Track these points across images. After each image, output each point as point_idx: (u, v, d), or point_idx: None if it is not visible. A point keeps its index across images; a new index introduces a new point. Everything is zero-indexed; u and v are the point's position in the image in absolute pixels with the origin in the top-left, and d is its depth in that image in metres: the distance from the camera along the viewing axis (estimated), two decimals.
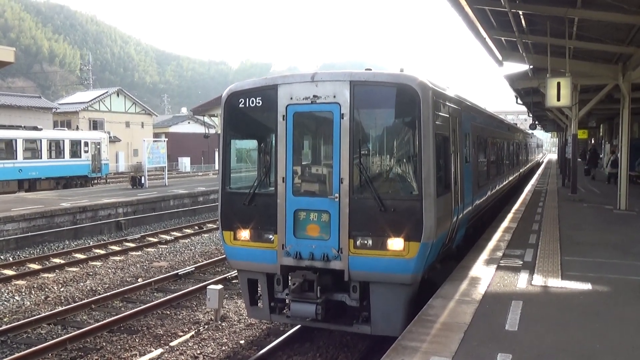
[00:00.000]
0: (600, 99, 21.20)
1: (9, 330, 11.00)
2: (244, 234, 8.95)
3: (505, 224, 15.65)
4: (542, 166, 58.44)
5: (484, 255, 11.24)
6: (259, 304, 9.36)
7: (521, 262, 10.52)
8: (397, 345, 6.29)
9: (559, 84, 16.54)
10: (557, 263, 10.43)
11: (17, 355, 9.60)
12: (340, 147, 8.35)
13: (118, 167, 62.01)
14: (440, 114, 8.91)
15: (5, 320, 12.00)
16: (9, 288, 14.43)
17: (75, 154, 38.41)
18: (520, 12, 14.69)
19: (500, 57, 20.06)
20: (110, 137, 47.41)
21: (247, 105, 8.95)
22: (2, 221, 19.41)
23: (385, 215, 8.12)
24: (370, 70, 8.88)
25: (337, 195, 8.34)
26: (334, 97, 8.36)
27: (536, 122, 42.90)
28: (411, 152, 8.47)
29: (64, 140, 37.89)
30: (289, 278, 8.69)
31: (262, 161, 9.40)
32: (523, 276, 9.44)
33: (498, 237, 13.42)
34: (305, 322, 8.96)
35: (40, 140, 35.88)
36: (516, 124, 33.21)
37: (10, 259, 18.20)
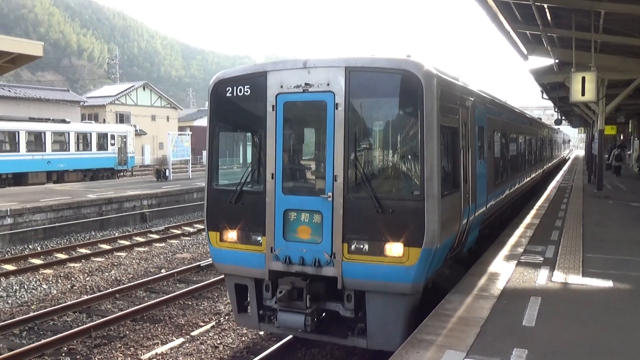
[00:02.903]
0: (628, 94, 20.81)
1: (36, 318, 11.32)
2: (231, 235, 8.25)
3: (527, 220, 15.51)
4: (569, 162, 57.54)
5: (505, 250, 11.19)
6: (248, 311, 8.66)
7: (542, 259, 10.44)
8: (413, 338, 6.33)
9: (583, 78, 16.29)
10: (578, 260, 10.33)
11: (43, 341, 9.89)
12: (334, 141, 7.55)
13: (144, 160, 62.86)
14: (447, 104, 8.10)
15: (32, 307, 12.34)
16: (37, 277, 14.83)
17: (102, 146, 39.12)
18: (545, 5, 14.51)
19: (525, 51, 19.84)
20: (136, 131, 48.12)
21: (235, 94, 8.22)
22: (31, 212, 19.91)
23: (383, 217, 7.32)
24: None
25: (330, 194, 7.56)
26: (328, 85, 7.56)
27: (562, 118, 42.22)
28: (413, 147, 7.62)
29: (91, 133, 38.61)
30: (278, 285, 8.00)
31: (250, 156, 8.71)
32: (543, 272, 9.37)
33: (520, 233, 13.32)
34: (295, 332, 8.26)
35: (69, 133, 36.63)
36: (540, 118, 32.65)
37: (39, 248, 18.67)
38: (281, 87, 7.81)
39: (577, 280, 8.93)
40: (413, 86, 7.30)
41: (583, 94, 16.51)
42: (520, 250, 11.24)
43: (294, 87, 7.74)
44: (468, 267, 9.73)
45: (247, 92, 8.12)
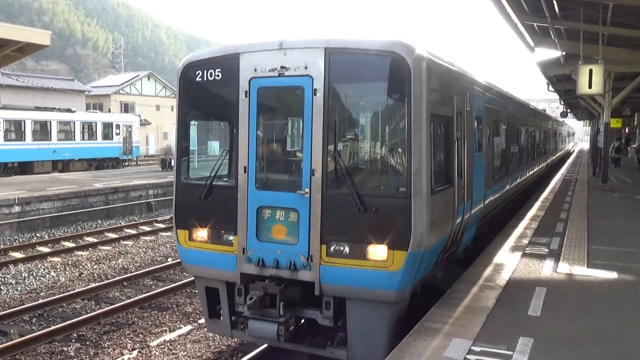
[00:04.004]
0: (635, 87, 20.77)
1: (45, 305, 11.47)
2: (201, 233, 7.58)
3: (532, 212, 15.56)
4: (573, 155, 57.44)
5: (510, 242, 11.27)
6: (221, 317, 7.89)
7: (547, 250, 10.52)
8: (420, 326, 6.43)
9: (590, 71, 16.29)
10: (583, 251, 10.39)
11: (53, 327, 10.03)
12: (312, 131, 6.84)
13: (148, 150, 62.99)
14: (440, 91, 7.44)
15: (41, 295, 12.49)
16: (45, 265, 14.98)
17: (107, 136, 39.24)
18: None
19: (532, 43, 19.82)
20: (141, 120, 48.23)
21: (206, 78, 7.50)
22: (38, 200, 20.05)
23: (366, 216, 6.62)
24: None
25: (307, 190, 6.86)
26: (305, 68, 6.84)
27: (568, 110, 42.14)
28: (399, 138, 6.91)
29: (96, 123, 38.72)
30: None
31: (221, 147, 8.02)
32: (548, 264, 9.45)
33: (525, 224, 13.39)
34: (268, 342, 7.65)
35: (74, 122, 36.75)
36: (544, 110, 32.52)
37: (46, 236, 18.83)
38: (255, 70, 7.10)
39: (582, 271, 9.00)
40: (400, 70, 6.57)
41: (590, 87, 16.51)
42: (526, 241, 11.32)
43: (269, 71, 7.02)
44: (465, 267, 9.17)
45: (218, 76, 7.42)
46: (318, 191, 6.83)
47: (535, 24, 17.94)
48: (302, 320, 7.39)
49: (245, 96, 7.18)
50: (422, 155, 6.58)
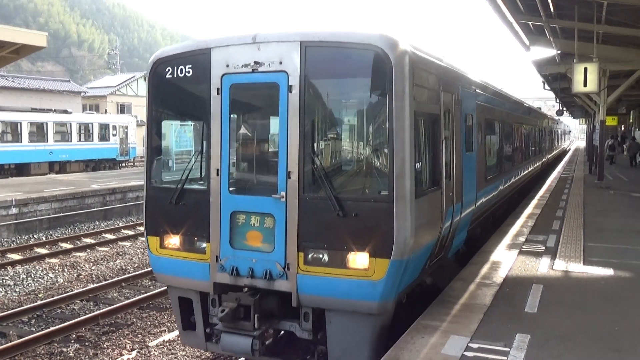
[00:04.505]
0: (630, 85, 20.88)
1: (44, 306, 11.48)
2: (173, 240, 7.19)
3: (529, 210, 15.65)
4: (569, 153, 57.64)
5: (507, 240, 11.34)
6: (196, 328, 7.45)
7: (543, 248, 10.59)
8: (418, 324, 6.49)
9: (585, 69, 16.39)
10: (579, 249, 10.47)
11: (52, 329, 10.05)
12: (288, 131, 6.44)
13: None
14: (425, 88, 7.04)
15: (40, 296, 12.50)
16: (43, 266, 14.98)
17: (103, 137, 39.20)
18: None
19: (527, 42, 19.91)
20: (137, 121, 48.16)
21: (176, 75, 7.10)
22: (35, 202, 20.03)
23: (345, 221, 6.22)
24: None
25: (283, 194, 6.46)
26: (280, 63, 6.44)
27: (563, 108, 42.32)
28: (380, 138, 6.55)
29: (92, 124, 38.68)
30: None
31: (193, 148, 7.61)
32: (545, 261, 9.52)
33: (521, 222, 13.47)
34: (243, 356, 7.30)
35: (70, 124, 36.70)
36: (539, 108, 32.64)
37: (44, 238, 18.80)
38: (227, 66, 6.71)
39: (578, 268, 9.07)
40: (380, 64, 6.17)
41: (585, 85, 16.62)
42: (522, 239, 11.39)
43: (242, 66, 6.62)
44: (455, 272, 8.87)
45: (188, 72, 7.03)
46: (295, 195, 6.43)
47: (530, 22, 18.02)
48: (282, 332, 7.05)
49: (217, 94, 6.79)
50: (405, 156, 6.18)
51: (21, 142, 33.18)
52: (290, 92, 6.43)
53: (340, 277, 6.29)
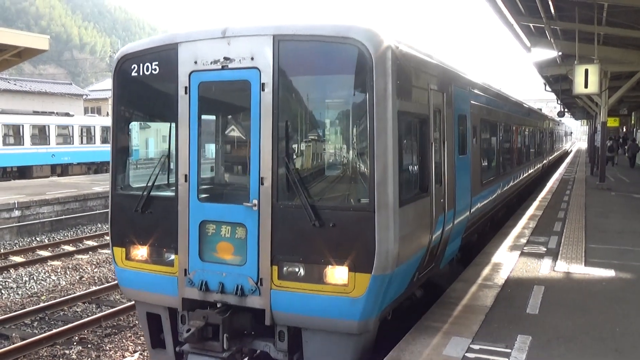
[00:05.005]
0: (631, 86, 20.90)
1: (46, 308, 11.51)
2: (139, 252, 6.70)
3: (530, 211, 15.66)
4: (571, 155, 57.62)
5: (508, 241, 11.36)
6: (166, 347, 6.94)
7: (545, 249, 10.60)
8: (420, 325, 6.50)
9: (586, 70, 16.42)
10: (581, 250, 10.48)
11: (55, 331, 10.08)
12: (261, 133, 5.94)
13: (148, 153, 63.09)
14: (411, 86, 6.52)
15: (42, 298, 12.54)
16: (46, 268, 15.02)
17: (106, 140, 39.24)
18: None
19: (528, 44, 19.94)
20: (139, 124, 48.34)
21: (142, 73, 6.59)
22: (38, 204, 20.09)
23: (322, 232, 5.72)
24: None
25: (255, 201, 5.95)
26: (252, 59, 5.94)
27: (565, 110, 42.30)
28: (361, 141, 6.00)
29: (94, 127, 38.78)
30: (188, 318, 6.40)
31: (161, 152, 7.06)
32: (546, 262, 9.53)
33: (523, 224, 13.48)
34: None
35: (72, 127, 36.80)
36: (540, 109, 32.56)
37: (46, 240, 18.86)
38: (195, 62, 6.21)
39: (579, 269, 9.08)
40: (360, 59, 5.67)
41: (586, 86, 16.64)
42: (524, 241, 11.41)
43: (211, 63, 6.13)
44: (449, 282, 8.43)
45: (155, 70, 6.53)
46: (268, 203, 5.92)
47: (531, 24, 18.06)
48: (257, 351, 6.61)
49: (185, 93, 6.28)
50: (387, 160, 5.66)
51: (23, 144, 33.26)
52: (263, 90, 5.92)
53: (317, 294, 5.78)
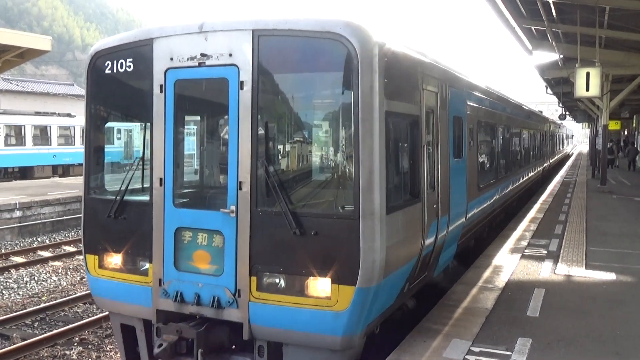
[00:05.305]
0: (632, 89, 20.89)
1: (47, 309, 11.53)
2: (113, 260, 6.35)
3: (531, 214, 15.65)
4: (572, 158, 57.61)
5: (509, 244, 11.36)
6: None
7: (546, 252, 10.60)
8: (420, 327, 6.50)
9: (588, 73, 16.43)
10: (582, 253, 10.47)
11: (55, 331, 10.09)
12: (239, 134, 5.59)
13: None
14: (401, 85, 6.18)
15: (43, 299, 12.55)
16: (47, 269, 15.04)
17: (108, 140, 39.07)
18: (550, 1, 14.60)
19: (530, 47, 19.96)
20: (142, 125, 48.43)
21: (116, 70, 6.24)
22: (39, 205, 20.12)
23: (304, 241, 5.37)
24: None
25: (233, 207, 5.60)
26: (230, 55, 5.60)
27: (566, 113, 42.34)
28: (345, 143, 5.67)
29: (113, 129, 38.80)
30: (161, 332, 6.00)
31: (135, 154, 6.68)
32: (547, 265, 9.53)
33: (524, 227, 13.48)
34: None
35: (74, 127, 36.86)
36: (541, 112, 32.48)
37: (47, 241, 18.89)
38: (171, 59, 5.87)
39: (580, 272, 9.08)
40: (344, 56, 5.31)
41: (587, 89, 16.65)
42: (524, 243, 11.40)
43: (188, 60, 5.80)
44: (443, 291, 8.09)
45: (129, 67, 6.19)
46: (246, 209, 5.56)
47: (532, 27, 18.06)
48: None
49: (160, 91, 5.94)
50: (373, 164, 5.31)
51: (25, 145, 33.30)
52: (242, 88, 5.57)
53: (298, 307, 5.43)
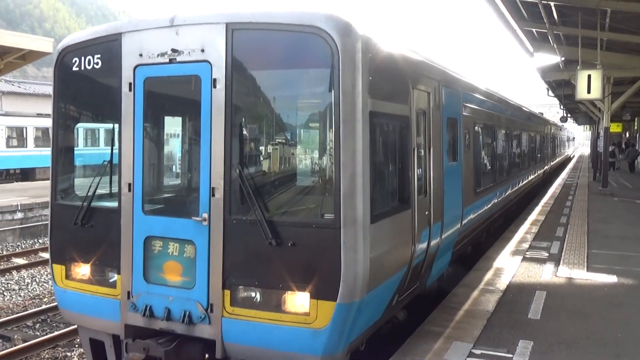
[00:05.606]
0: (634, 92, 20.88)
1: (48, 310, 11.51)
2: (81, 270, 5.97)
3: (533, 216, 15.65)
4: (574, 160, 57.57)
5: (510, 246, 11.35)
6: None
7: (547, 254, 10.59)
8: (421, 330, 6.50)
9: (589, 76, 16.43)
10: (583, 255, 10.47)
11: (56, 333, 10.08)
12: (212, 136, 5.23)
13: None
14: (388, 83, 5.81)
15: (44, 300, 12.55)
16: (48, 270, 15.02)
17: (109, 142, 39.32)
18: (552, 3, 14.61)
19: (531, 49, 19.97)
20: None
21: (84, 67, 5.88)
22: (40, 206, 20.12)
23: (281, 252, 5.00)
24: None
25: (205, 215, 5.25)
26: (202, 51, 5.25)
27: (567, 115, 42.36)
28: (326, 146, 5.30)
29: (99, 129, 38.84)
30: (127, 350, 5.62)
31: (105, 157, 6.18)
32: (548, 267, 9.53)
33: (525, 229, 13.47)
34: None
35: (77, 129, 36.89)
36: (542, 114, 32.42)
37: (48, 242, 18.89)
38: (141, 55, 5.51)
39: (581, 275, 9.07)
40: (324, 51, 4.93)
41: (589, 92, 16.65)
42: (526, 246, 11.40)
43: (158, 56, 5.43)
44: (439, 300, 7.77)
45: (97, 64, 5.82)
46: (219, 217, 5.20)
47: (534, 29, 18.07)
48: None
49: (129, 89, 5.59)
50: (356, 168, 4.93)
51: (27, 147, 33.37)
52: (214, 87, 5.22)
53: (275, 323, 5.06)
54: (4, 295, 12.94)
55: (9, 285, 13.64)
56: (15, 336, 10.21)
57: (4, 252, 17.02)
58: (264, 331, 5.09)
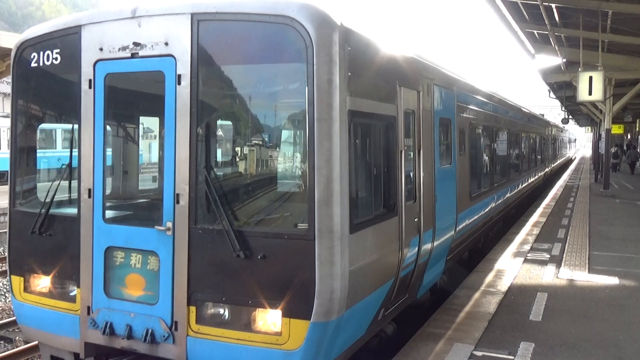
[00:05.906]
0: (635, 94, 20.88)
1: None
2: (40, 282, 5.55)
3: (534, 218, 15.64)
4: (575, 162, 57.51)
5: (512, 248, 11.35)
6: None
7: (548, 256, 10.59)
8: (422, 332, 6.50)
9: (590, 77, 16.43)
10: (584, 257, 10.46)
11: None
12: (176, 137, 4.82)
13: (151, 158, 63.20)
14: (370, 80, 5.33)
15: None
16: None
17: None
18: (553, 5, 14.63)
19: (532, 50, 20.00)
20: (144, 127, 48.56)
21: (42, 62, 5.47)
22: None
23: (250, 265, 4.58)
24: None
25: (169, 224, 4.84)
26: (166, 44, 4.83)
27: (569, 117, 42.35)
28: (299, 148, 4.98)
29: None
30: None
31: (63, 159, 5.78)
32: (550, 269, 9.52)
33: (526, 231, 13.47)
34: None
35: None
36: (542, 115, 32.35)
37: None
38: (101, 49, 5.08)
39: (583, 276, 9.07)
40: (297, 43, 4.49)
41: (590, 93, 16.65)
42: (527, 247, 11.39)
43: (119, 50, 5.00)
44: (434, 309, 7.41)
45: (56, 59, 5.41)
46: (184, 227, 4.79)
47: (535, 31, 18.09)
48: None
49: (89, 87, 5.17)
50: (332, 173, 4.46)
51: None
52: (179, 83, 4.80)
53: (244, 344, 4.63)
54: (6, 297, 12.96)
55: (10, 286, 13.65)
56: (17, 337, 10.22)
57: (4, 254, 17.00)
58: (233, 352, 4.68)
